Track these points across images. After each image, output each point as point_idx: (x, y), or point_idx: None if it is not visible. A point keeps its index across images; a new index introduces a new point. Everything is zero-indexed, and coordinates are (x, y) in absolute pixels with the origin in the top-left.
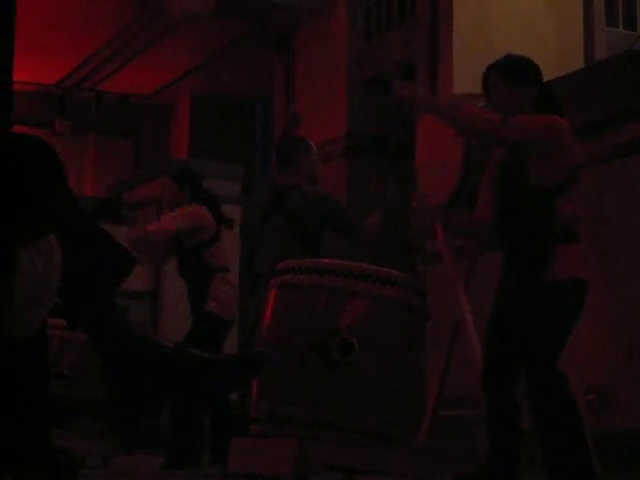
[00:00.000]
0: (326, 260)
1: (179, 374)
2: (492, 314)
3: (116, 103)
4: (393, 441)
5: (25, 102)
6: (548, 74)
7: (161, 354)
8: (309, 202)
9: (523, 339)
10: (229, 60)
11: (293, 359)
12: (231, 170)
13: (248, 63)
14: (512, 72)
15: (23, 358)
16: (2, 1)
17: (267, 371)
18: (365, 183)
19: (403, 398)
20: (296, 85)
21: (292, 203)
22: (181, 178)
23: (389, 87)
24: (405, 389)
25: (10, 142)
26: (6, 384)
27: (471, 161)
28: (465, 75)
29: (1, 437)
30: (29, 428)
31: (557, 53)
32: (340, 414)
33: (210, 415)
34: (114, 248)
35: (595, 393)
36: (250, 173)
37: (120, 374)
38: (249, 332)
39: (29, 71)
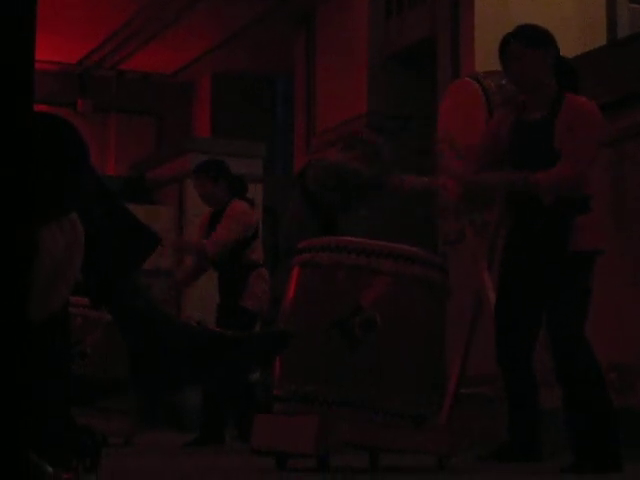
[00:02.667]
0: (347, 238)
1: (202, 350)
2: (504, 285)
3: (137, 82)
4: (416, 419)
5: (47, 81)
6: (570, 51)
7: (184, 332)
8: (323, 173)
9: (543, 309)
10: (250, 38)
11: (316, 337)
12: (253, 148)
13: (269, 40)
14: (530, 37)
15: (45, 337)
16: None
17: (290, 349)
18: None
19: (425, 376)
20: (317, 62)
21: (311, 175)
22: (216, 173)
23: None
24: (427, 367)
25: (33, 121)
26: (28, 364)
27: None
28: (487, 51)
29: (23, 415)
30: (51, 407)
31: (579, 30)
32: (363, 392)
33: (234, 392)
34: (137, 226)
35: (617, 371)
36: (272, 151)
37: (144, 352)
38: (272, 309)
39: (51, 50)
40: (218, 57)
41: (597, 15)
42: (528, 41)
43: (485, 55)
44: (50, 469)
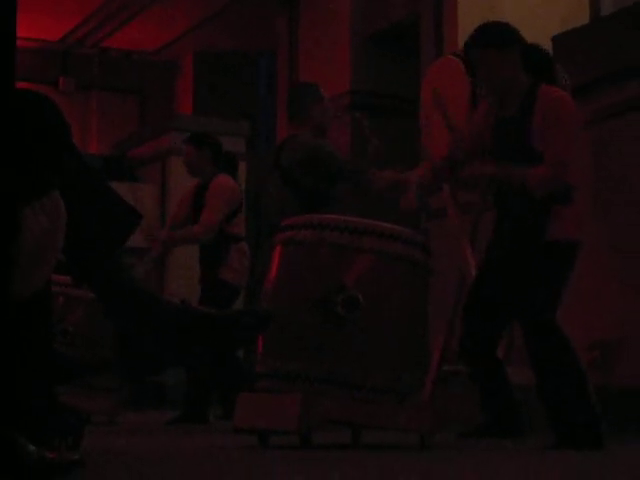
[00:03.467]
0: (329, 216)
1: (186, 330)
2: (483, 267)
3: (120, 60)
4: (398, 396)
5: (28, 59)
6: (554, 30)
7: (167, 310)
8: (300, 152)
9: (514, 294)
10: (233, 15)
11: (298, 315)
12: (235, 126)
13: (252, 18)
14: (489, 39)
15: (27, 315)
16: None
17: (273, 326)
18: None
19: (408, 354)
20: (300, 40)
21: (285, 155)
22: (200, 141)
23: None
24: (410, 345)
25: (14, 98)
26: (10, 342)
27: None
28: (471, 29)
29: (6, 395)
30: (34, 386)
31: (563, 9)
32: (345, 370)
33: (218, 370)
34: (119, 205)
35: (599, 349)
36: (254, 129)
37: (127, 330)
38: (255, 287)
39: (32, 28)
40: (201, 35)
41: None
42: (488, 44)
43: (468, 32)
44: (33, 448)
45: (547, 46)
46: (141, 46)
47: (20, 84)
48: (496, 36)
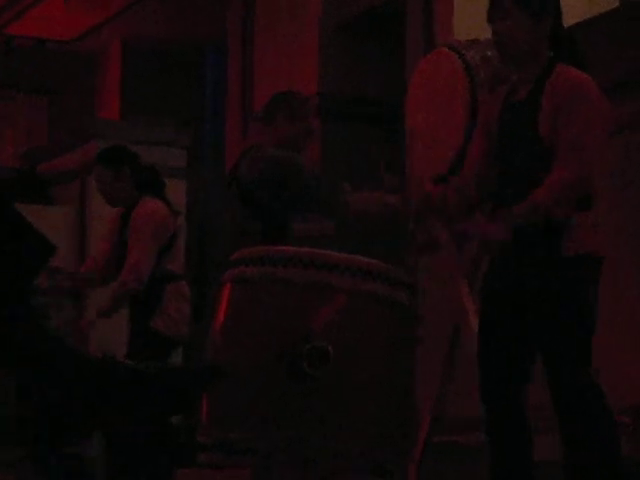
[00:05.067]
0: (293, 248)
1: (109, 390)
2: (488, 307)
3: (29, 50)
4: (376, 473)
5: None
6: (578, 15)
7: (86, 366)
8: (262, 167)
9: (537, 335)
10: None
11: (252, 372)
12: (174, 135)
13: (197, 1)
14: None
15: None
16: None
17: (219, 387)
18: (343, 152)
19: (389, 420)
20: (256, 29)
21: (245, 169)
22: (114, 159)
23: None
24: (391, 408)
25: None
26: None
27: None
28: (470, 14)
29: None
30: None
31: None
32: (310, 440)
33: (148, 441)
34: (26, 233)
35: (632, 415)
36: (199, 139)
37: (36, 392)
38: (197, 337)
39: None
40: (132, 20)
41: None
42: (527, 4)
43: (467, 19)
44: None
45: None
46: (56, 33)
47: None
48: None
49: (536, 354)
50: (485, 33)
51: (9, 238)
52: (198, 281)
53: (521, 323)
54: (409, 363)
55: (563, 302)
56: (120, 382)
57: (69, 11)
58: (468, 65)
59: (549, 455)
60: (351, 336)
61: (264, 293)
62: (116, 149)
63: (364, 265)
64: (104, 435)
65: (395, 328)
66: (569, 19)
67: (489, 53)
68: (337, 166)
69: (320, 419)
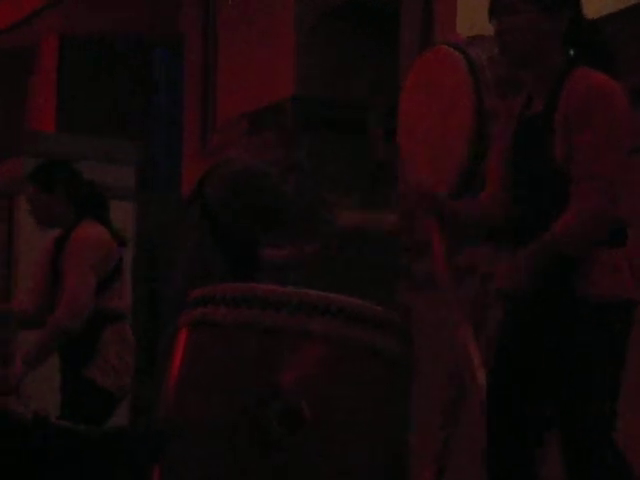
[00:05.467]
0: (263, 285)
1: (41, 455)
2: (498, 360)
3: None
4: None
5: None
6: (603, 8)
7: (15, 427)
8: (232, 184)
9: (555, 394)
10: None
11: (213, 435)
12: (120, 149)
13: None
14: None
15: None
16: None
17: (173, 452)
18: (323, 163)
19: None
20: (218, 23)
21: (209, 189)
22: (51, 180)
23: None
24: (382, 477)
25: None
26: None
27: (487, 127)
28: (475, 6)
29: None
30: None
31: None
32: None
33: None
34: None
35: None
36: (150, 154)
37: None
38: (146, 393)
39: None
40: (70, 10)
41: None
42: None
43: (472, 11)
44: None
45: None
46: None
47: None
48: None
49: (552, 418)
50: (491, 28)
51: None
52: (147, 323)
53: (537, 381)
54: (402, 425)
55: (585, 360)
56: (55, 449)
57: None
58: (473, 64)
59: None
60: (331, 392)
61: (228, 339)
62: (49, 165)
63: (347, 306)
64: None
65: (384, 382)
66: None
67: (496, 51)
68: (318, 179)
69: None
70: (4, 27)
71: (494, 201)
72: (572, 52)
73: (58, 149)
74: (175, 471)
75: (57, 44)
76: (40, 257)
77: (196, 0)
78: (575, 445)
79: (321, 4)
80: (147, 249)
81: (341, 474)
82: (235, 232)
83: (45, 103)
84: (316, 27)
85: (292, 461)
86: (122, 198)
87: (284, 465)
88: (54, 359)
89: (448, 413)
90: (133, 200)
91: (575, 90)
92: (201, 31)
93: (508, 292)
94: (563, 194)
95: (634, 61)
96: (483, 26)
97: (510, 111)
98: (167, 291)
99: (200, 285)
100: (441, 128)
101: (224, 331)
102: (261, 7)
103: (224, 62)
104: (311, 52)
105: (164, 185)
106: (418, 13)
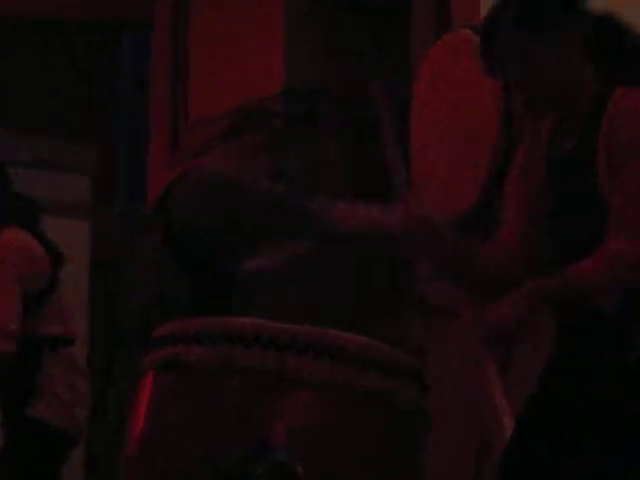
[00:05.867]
0: (246, 319)
1: None
2: (527, 416)
3: None
4: None
5: None
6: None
7: None
8: (206, 192)
9: (590, 463)
10: None
11: None
12: (73, 154)
13: None
14: (540, 17)
15: None
16: None
17: None
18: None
19: None
20: (193, 4)
21: (178, 200)
22: None
23: None
24: None
25: None
26: None
27: (514, 133)
28: None
29: None
30: None
31: None
32: None
33: None
34: None
35: None
36: (108, 161)
37: None
38: (109, 444)
39: None
40: None
41: None
42: (537, 26)
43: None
44: None
45: None
46: None
47: None
48: (551, 10)
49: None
50: None
51: None
52: (105, 362)
53: (567, 446)
54: None
55: (628, 424)
56: None
57: None
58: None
59: None
60: (330, 448)
61: (204, 385)
62: None
63: (349, 344)
64: None
65: (395, 435)
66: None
67: None
68: (311, 183)
69: None
70: None
71: (517, 245)
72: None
73: None
74: None
75: None
76: None
77: None
78: None
79: None
80: (105, 274)
81: None
82: (205, 254)
83: None
84: (310, 10)
85: None
86: (74, 215)
87: None
88: None
89: (472, 466)
90: (88, 215)
91: (617, 115)
92: (170, 17)
93: (504, 327)
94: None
95: None
96: None
97: (537, 134)
98: (126, 323)
99: (163, 319)
100: (462, 130)
101: (199, 375)
102: None
103: (197, 49)
104: (304, 39)
105: (126, 198)
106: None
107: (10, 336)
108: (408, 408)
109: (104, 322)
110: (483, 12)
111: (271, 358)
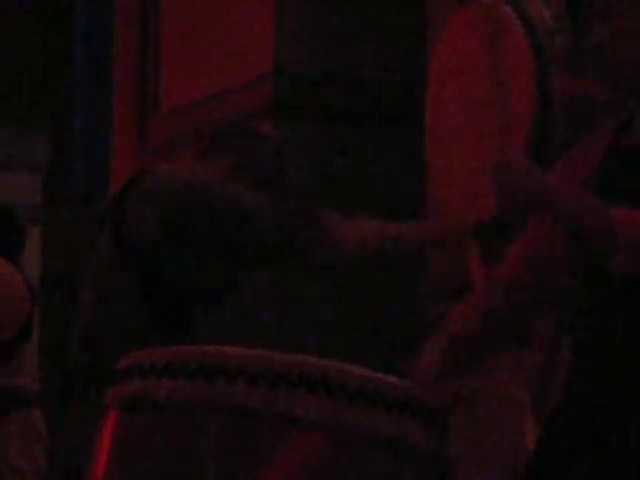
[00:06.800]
0: (229, 349)
1: None
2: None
3: None
4: None
5: None
6: None
7: None
8: (156, 200)
9: None
10: None
11: None
12: (24, 149)
13: None
14: None
15: None
16: None
17: None
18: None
19: None
20: None
21: (133, 213)
22: None
23: None
24: None
25: None
26: None
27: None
28: None
29: None
30: None
31: None
32: None
33: None
34: None
35: None
36: (61, 153)
37: None
38: None
39: None
40: None
41: None
42: None
43: None
44: None
45: None
46: None
47: None
48: None
49: None
50: None
51: None
52: (57, 403)
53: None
54: None
55: None
56: None
57: None
58: (532, 26)
59: None
60: None
61: (177, 427)
62: None
63: (353, 380)
64: None
65: None
66: None
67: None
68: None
69: None
70: None
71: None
72: None
73: None
74: None
75: None
76: None
77: None
78: None
79: None
80: (57, 289)
81: None
82: (172, 271)
83: None
84: None
85: None
86: (25, 219)
87: None
88: None
89: None
90: (38, 221)
91: None
92: None
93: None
94: None
95: None
96: None
97: (588, 149)
98: (85, 352)
99: (117, 347)
100: (485, 118)
101: (171, 415)
102: None
103: (170, 23)
104: (295, 11)
105: (83, 199)
106: None
107: None
108: (429, 453)
109: (56, 356)
110: None
111: (258, 395)
